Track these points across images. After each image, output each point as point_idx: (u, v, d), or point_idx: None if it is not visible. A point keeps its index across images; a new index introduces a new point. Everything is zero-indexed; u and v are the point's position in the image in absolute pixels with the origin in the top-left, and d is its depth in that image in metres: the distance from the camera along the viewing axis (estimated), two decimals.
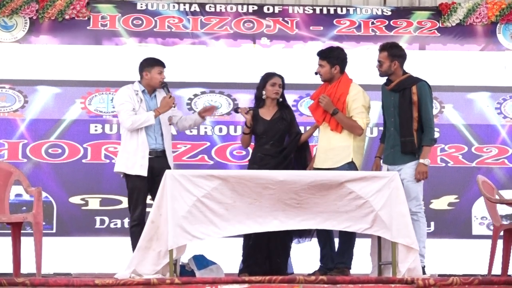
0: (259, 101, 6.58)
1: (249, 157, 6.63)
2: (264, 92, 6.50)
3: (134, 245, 6.15)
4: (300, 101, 8.09)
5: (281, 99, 6.52)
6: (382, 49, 6.24)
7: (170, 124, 6.55)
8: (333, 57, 6.30)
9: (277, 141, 6.43)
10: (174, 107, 6.44)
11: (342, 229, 5.73)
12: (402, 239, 5.56)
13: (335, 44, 8.19)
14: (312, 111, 6.44)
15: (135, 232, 6.18)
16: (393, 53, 6.18)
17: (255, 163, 6.41)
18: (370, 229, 5.65)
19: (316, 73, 6.36)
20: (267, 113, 6.52)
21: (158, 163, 6.30)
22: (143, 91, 6.49)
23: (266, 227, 5.60)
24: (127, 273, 5.50)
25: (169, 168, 6.29)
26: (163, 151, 6.40)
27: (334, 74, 6.29)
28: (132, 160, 6.31)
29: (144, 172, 6.26)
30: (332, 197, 5.61)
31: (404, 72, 6.22)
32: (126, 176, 6.35)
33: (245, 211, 5.57)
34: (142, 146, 6.31)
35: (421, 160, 6.01)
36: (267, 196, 5.58)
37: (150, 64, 6.52)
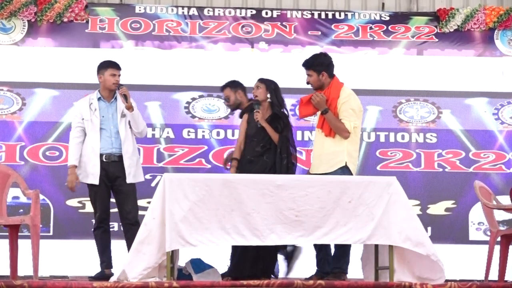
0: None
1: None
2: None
3: (98, 248, 6.40)
4: (298, 105, 8.07)
5: (269, 100, 6.51)
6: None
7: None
8: (318, 65, 6.23)
9: (267, 143, 6.42)
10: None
11: (340, 242, 5.65)
12: (415, 247, 5.51)
13: (333, 48, 8.24)
14: (300, 104, 6.36)
15: (96, 235, 6.44)
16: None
17: (242, 165, 6.41)
18: (370, 239, 5.57)
19: (307, 83, 6.33)
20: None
21: (113, 168, 6.33)
22: (98, 99, 6.44)
23: (263, 241, 5.50)
24: (118, 275, 5.46)
25: (123, 174, 6.31)
26: (120, 156, 6.35)
27: (323, 81, 6.23)
28: (86, 169, 6.35)
29: (95, 181, 6.31)
30: (331, 210, 5.53)
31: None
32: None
33: (243, 222, 5.48)
34: (93, 154, 6.32)
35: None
36: (265, 206, 5.49)
37: (103, 66, 6.47)
